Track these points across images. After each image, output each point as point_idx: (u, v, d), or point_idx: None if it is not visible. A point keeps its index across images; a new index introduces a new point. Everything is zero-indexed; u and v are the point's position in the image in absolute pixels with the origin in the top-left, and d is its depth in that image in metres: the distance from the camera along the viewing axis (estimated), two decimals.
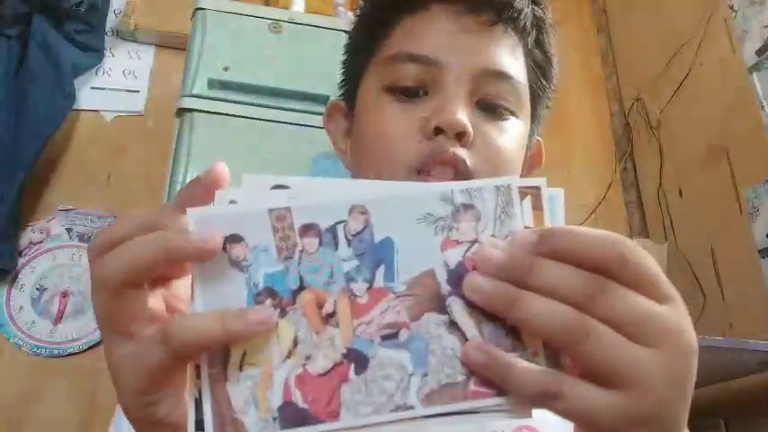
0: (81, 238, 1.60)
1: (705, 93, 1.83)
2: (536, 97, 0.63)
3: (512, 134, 0.58)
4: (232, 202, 0.33)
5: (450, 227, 0.33)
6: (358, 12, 0.69)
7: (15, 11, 1.61)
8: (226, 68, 1.30)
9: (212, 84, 1.29)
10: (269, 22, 1.38)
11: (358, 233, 0.33)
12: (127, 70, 1.79)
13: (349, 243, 0.33)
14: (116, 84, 1.76)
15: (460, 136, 0.54)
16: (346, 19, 1.62)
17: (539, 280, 0.31)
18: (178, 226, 0.32)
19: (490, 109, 0.57)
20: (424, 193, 0.33)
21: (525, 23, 0.60)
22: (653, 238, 1.89)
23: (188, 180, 1.20)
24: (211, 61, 1.30)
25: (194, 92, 1.27)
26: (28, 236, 1.56)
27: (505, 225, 0.33)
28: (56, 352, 1.48)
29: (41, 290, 1.53)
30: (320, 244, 0.33)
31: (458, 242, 0.33)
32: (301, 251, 0.33)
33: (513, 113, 0.58)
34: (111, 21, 1.81)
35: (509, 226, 0.33)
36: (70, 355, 1.49)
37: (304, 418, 0.31)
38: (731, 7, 1.77)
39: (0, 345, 1.47)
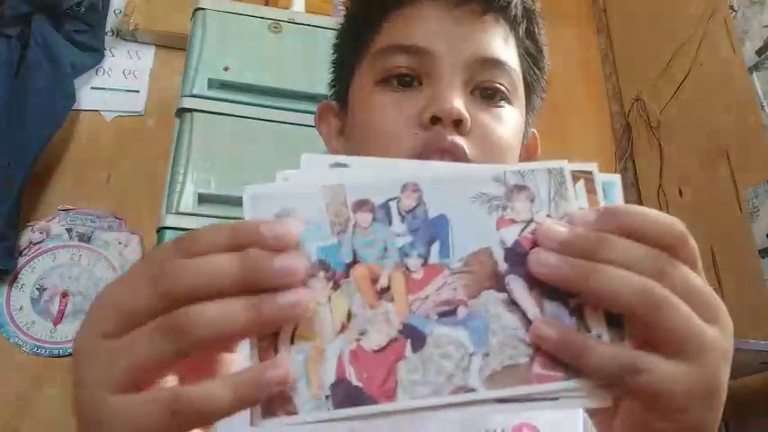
0: (81, 238, 1.60)
1: (705, 93, 1.83)
2: (529, 87, 0.62)
3: (508, 122, 0.57)
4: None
5: (504, 206, 0.33)
6: (344, 10, 0.68)
7: (15, 11, 1.61)
8: (226, 68, 1.30)
9: (212, 84, 1.29)
10: (269, 22, 1.38)
11: (411, 210, 0.32)
12: (127, 70, 1.79)
13: (402, 219, 0.32)
14: (116, 84, 1.76)
15: (458, 124, 0.53)
16: None
17: (609, 254, 0.31)
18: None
19: (486, 96, 0.57)
20: (477, 174, 0.33)
21: (515, 13, 0.60)
22: None
23: (188, 180, 1.20)
24: (211, 61, 1.30)
25: (194, 92, 1.28)
26: (28, 236, 1.56)
27: (560, 207, 0.33)
28: (56, 352, 1.48)
29: (41, 290, 1.53)
30: (373, 219, 0.32)
31: (513, 221, 0.33)
32: (354, 225, 0.32)
33: (508, 101, 0.58)
34: (111, 21, 1.81)
35: (564, 207, 0.33)
36: (70, 355, 1.48)
37: (358, 397, 0.30)
38: (731, 7, 1.77)
39: (0, 345, 1.47)
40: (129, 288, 0.31)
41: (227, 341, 0.31)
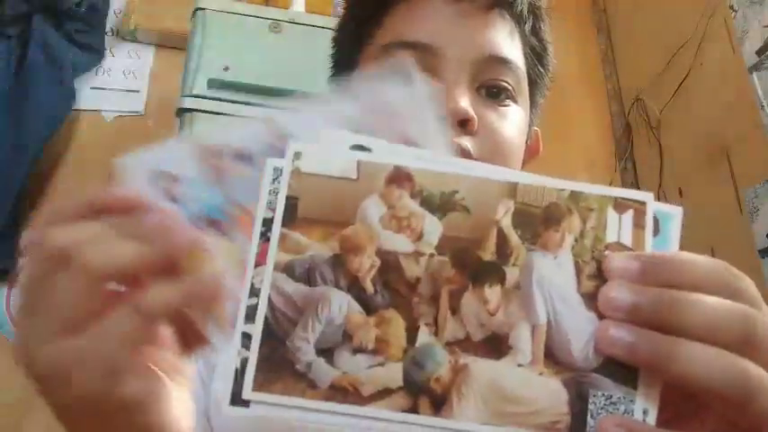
0: None
1: (705, 93, 1.83)
2: (534, 84, 0.61)
3: (514, 121, 0.56)
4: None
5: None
6: (344, 2, 0.67)
7: (15, 11, 1.61)
8: (226, 68, 1.30)
9: (212, 84, 1.29)
10: (269, 22, 1.38)
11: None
12: (127, 70, 1.78)
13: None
14: (116, 84, 1.76)
15: (464, 123, 0.52)
16: None
17: (687, 320, 0.26)
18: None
19: (492, 95, 0.55)
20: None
21: (522, 9, 0.59)
22: None
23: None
24: (211, 61, 1.30)
25: (194, 92, 1.27)
26: None
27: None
28: None
29: None
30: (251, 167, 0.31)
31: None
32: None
33: (514, 100, 0.57)
34: (111, 21, 1.81)
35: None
36: None
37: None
38: (731, 7, 1.77)
39: (0, 345, 1.47)
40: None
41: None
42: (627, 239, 0.28)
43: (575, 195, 0.29)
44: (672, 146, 1.94)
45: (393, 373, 0.28)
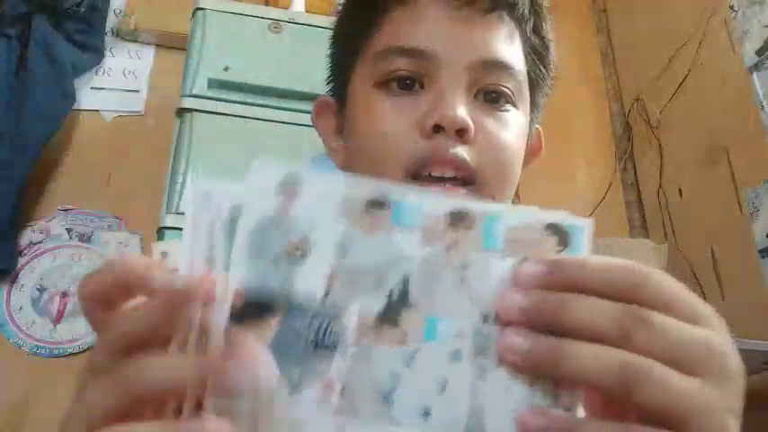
0: (81, 238, 1.59)
1: (705, 93, 1.83)
2: (535, 85, 0.60)
3: (513, 126, 0.55)
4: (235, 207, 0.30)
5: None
6: (342, 2, 0.66)
7: (15, 11, 1.61)
8: (226, 68, 1.30)
9: (212, 84, 1.29)
10: (269, 22, 1.38)
11: None
12: (127, 70, 1.78)
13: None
14: (116, 84, 1.76)
15: (461, 133, 0.51)
16: None
17: (573, 320, 0.27)
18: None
19: (490, 100, 0.55)
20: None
21: (523, 10, 0.58)
22: (653, 239, 1.89)
23: (188, 180, 1.20)
24: (211, 61, 1.30)
25: (194, 92, 1.27)
26: (28, 236, 1.56)
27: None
28: (56, 352, 1.48)
29: (41, 290, 1.53)
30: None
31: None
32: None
33: (513, 104, 0.56)
34: (111, 21, 1.81)
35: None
36: (70, 355, 1.48)
37: None
38: (731, 7, 1.77)
39: (0, 345, 1.47)
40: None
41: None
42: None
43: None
44: (672, 146, 1.94)
45: None
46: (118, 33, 1.81)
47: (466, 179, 0.52)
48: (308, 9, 1.64)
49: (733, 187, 1.69)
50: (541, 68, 0.61)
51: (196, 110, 1.26)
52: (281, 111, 1.30)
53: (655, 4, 2.10)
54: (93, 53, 1.74)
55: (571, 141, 2.10)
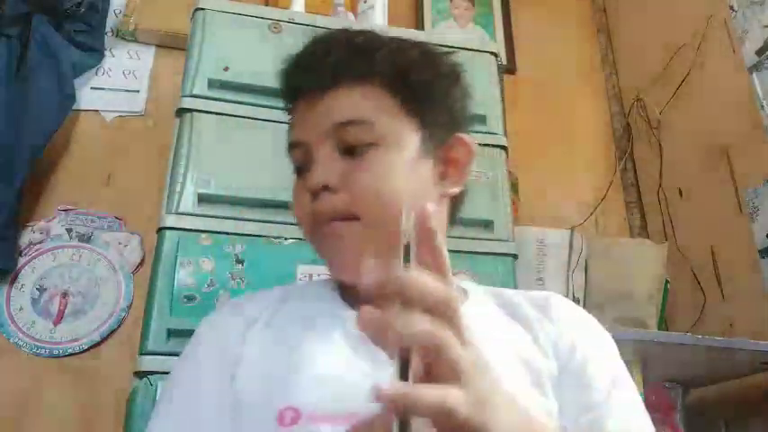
0: (81, 238, 1.59)
1: (705, 93, 1.84)
2: (421, 110, 0.70)
3: (378, 163, 0.67)
4: None
5: None
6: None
7: (15, 11, 1.61)
8: (226, 68, 1.30)
9: (212, 84, 1.28)
10: (269, 22, 1.38)
11: None
12: (127, 70, 1.79)
13: None
14: (116, 84, 1.76)
15: (326, 188, 0.66)
16: (346, 19, 1.62)
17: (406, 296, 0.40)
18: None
19: (350, 152, 0.67)
20: None
21: (373, 68, 0.69)
22: (653, 238, 1.89)
23: (188, 180, 1.20)
24: (211, 61, 1.30)
25: (194, 92, 1.27)
26: (28, 236, 1.56)
27: None
28: (56, 352, 1.48)
29: (41, 290, 1.53)
30: None
31: None
32: None
33: (374, 145, 0.67)
34: (111, 21, 1.81)
35: None
36: (70, 355, 1.48)
37: None
38: (731, 7, 1.77)
39: (0, 345, 1.47)
40: None
41: None
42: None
43: None
44: (672, 146, 1.94)
45: None
46: (118, 33, 1.81)
47: (347, 217, 0.66)
48: (308, 9, 1.64)
49: (733, 187, 1.69)
50: (425, 92, 0.70)
51: (196, 110, 1.26)
52: (281, 111, 1.30)
53: (655, 5, 2.10)
54: (93, 53, 1.75)
55: (571, 141, 2.10)
